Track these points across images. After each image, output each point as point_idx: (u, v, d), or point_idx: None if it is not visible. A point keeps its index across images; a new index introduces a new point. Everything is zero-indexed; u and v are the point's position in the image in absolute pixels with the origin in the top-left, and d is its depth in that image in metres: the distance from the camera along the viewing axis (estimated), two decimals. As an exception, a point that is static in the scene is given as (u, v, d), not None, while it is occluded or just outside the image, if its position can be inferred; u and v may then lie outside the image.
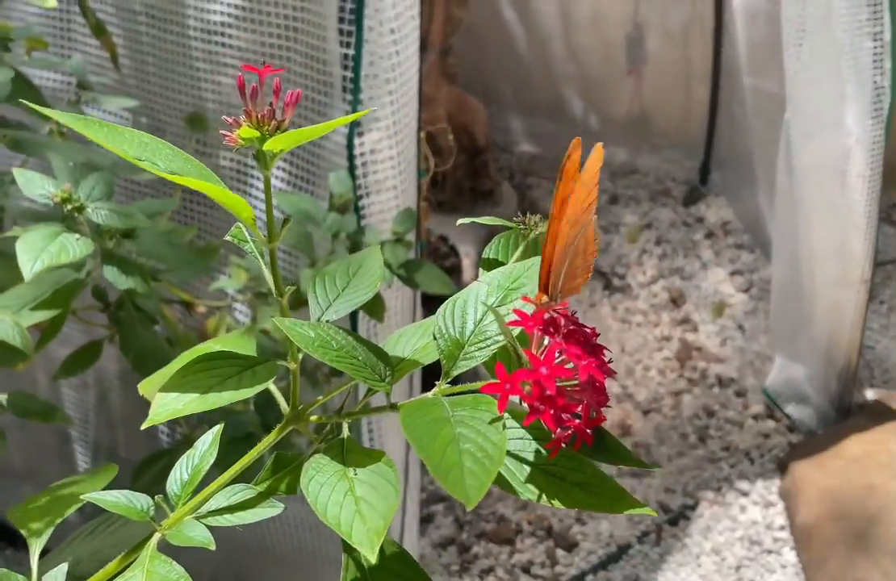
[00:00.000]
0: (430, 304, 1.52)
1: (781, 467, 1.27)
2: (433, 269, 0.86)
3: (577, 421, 0.31)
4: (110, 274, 0.60)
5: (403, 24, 0.86)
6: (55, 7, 0.84)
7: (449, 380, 0.33)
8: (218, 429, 0.36)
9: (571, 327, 0.32)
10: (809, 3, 1.16)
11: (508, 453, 0.32)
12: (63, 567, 0.35)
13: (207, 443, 0.36)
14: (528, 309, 0.33)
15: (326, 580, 1.00)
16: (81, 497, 0.36)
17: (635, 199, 1.90)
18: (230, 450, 0.80)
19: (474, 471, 0.27)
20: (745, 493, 1.25)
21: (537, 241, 0.46)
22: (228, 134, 0.34)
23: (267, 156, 0.34)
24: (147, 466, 0.78)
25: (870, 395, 1.38)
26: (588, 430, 0.31)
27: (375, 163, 0.87)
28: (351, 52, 0.84)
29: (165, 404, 0.32)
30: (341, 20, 0.84)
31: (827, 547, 1.10)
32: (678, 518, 1.22)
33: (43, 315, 0.59)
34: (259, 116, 0.34)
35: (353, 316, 0.89)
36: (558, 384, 0.30)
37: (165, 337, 0.85)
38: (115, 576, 0.33)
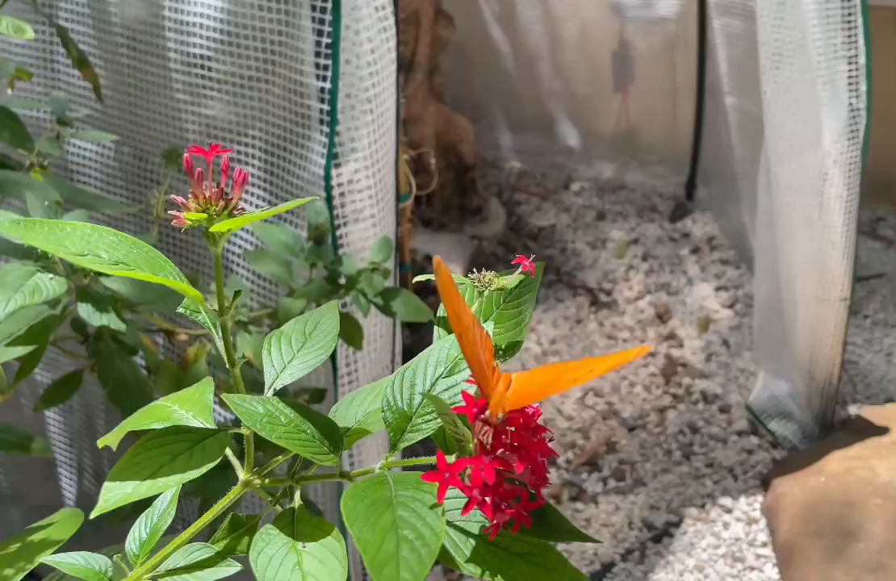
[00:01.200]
0: (412, 327, 1.52)
1: (764, 484, 1.28)
2: (410, 298, 0.87)
3: (516, 506, 0.31)
4: (84, 311, 0.61)
5: (380, 57, 0.87)
6: (34, 38, 0.85)
7: (397, 452, 0.34)
8: (176, 490, 0.37)
9: (513, 413, 0.32)
10: (785, 27, 1.17)
11: (453, 526, 0.33)
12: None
13: (166, 502, 0.37)
14: (472, 390, 0.33)
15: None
16: (37, 559, 0.37)
17: (622, 214, 1.91)
18: (209, 480, 0.81)
19: (410, 562, 0.28)
20: (728, 510, 1.26)
21: (493, 296, 0.47)
22: (177, 215, 0.35)
23: (216, 236, 0.35)
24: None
25: (853, 410, 1.39)
26: (526, 512, 0.32)
27: (353, 193, 0.88)
28: (328, 85, 0.85)
29: (114, 490, 0.33)
30: (318, 54, 0.85)
31: (807, 563, 1.11)
32: (662, 535, 1.23)
33: (19, 351, 0.60)
34: (206, 197, 0.34)
35: (332, 346, 0.90)
36: (499, 471, 0.31)
37: (145, 366, 0.86)
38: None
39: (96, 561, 0.36)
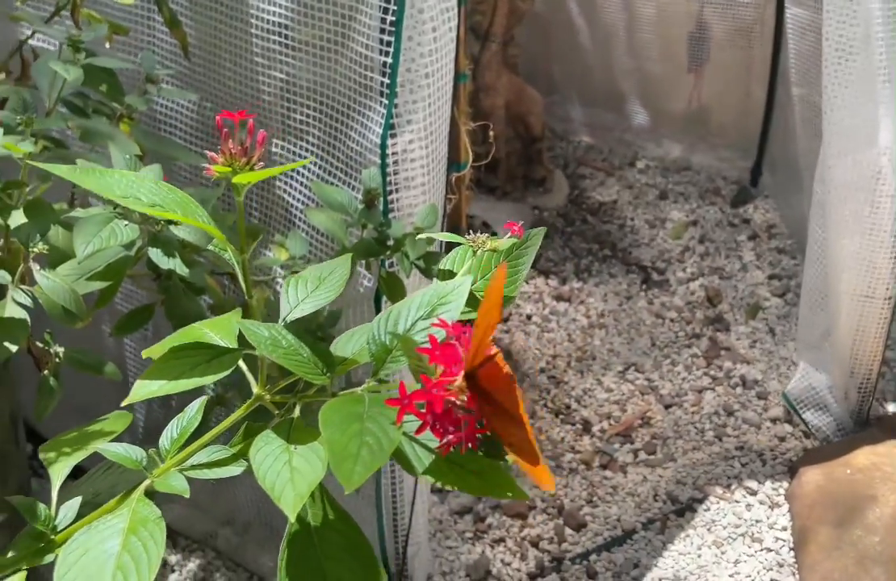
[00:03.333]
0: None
1: (791, 471, 1.32)
2: (451, 262, 0.94)
3: (463, 431, 0.39)
4: (155, 255, 0.71)
5: (440, 36, 0.94)
6: (132, 3, 0.96)
7: (377, 378, 0.42)
8: (202, 399, 0.46)
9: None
10: (850, 23, 1.18)
11: (418, 441, 0.40)
12: (76, 500, 0.46)
13: (195, 409, 0.46)
14: (441, 334, 0.41)
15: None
16: (90, 448, 0.46)
17: (685, 195, 1.93)
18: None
19: (366, 460, 0.36)
20: (753, 492, 1.30)
21: (489, 257, 0.55)
22: (208, 167, 0.43)
23: (238, 186, 0.43)
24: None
25: (892, 408, 1.41)
26: (473, 437, 0.39)
27: (406, 162, 0.96)
28: (389, 60, 0.93)
29: (143, 387, 0.42)
30: (382, 30, 0.92)
31: (820, 550, 1.15)
32: (685, 510, 1.28)
33: (97, 285, 0.70)
34: (231, 154, 0.42)
35: (377, 301, 0.98)
36: (447, 403, 0.38)
37: (210, 305, 0.97)
38: (111, 512, 0.43)
39: (134, 452, 0.45)
